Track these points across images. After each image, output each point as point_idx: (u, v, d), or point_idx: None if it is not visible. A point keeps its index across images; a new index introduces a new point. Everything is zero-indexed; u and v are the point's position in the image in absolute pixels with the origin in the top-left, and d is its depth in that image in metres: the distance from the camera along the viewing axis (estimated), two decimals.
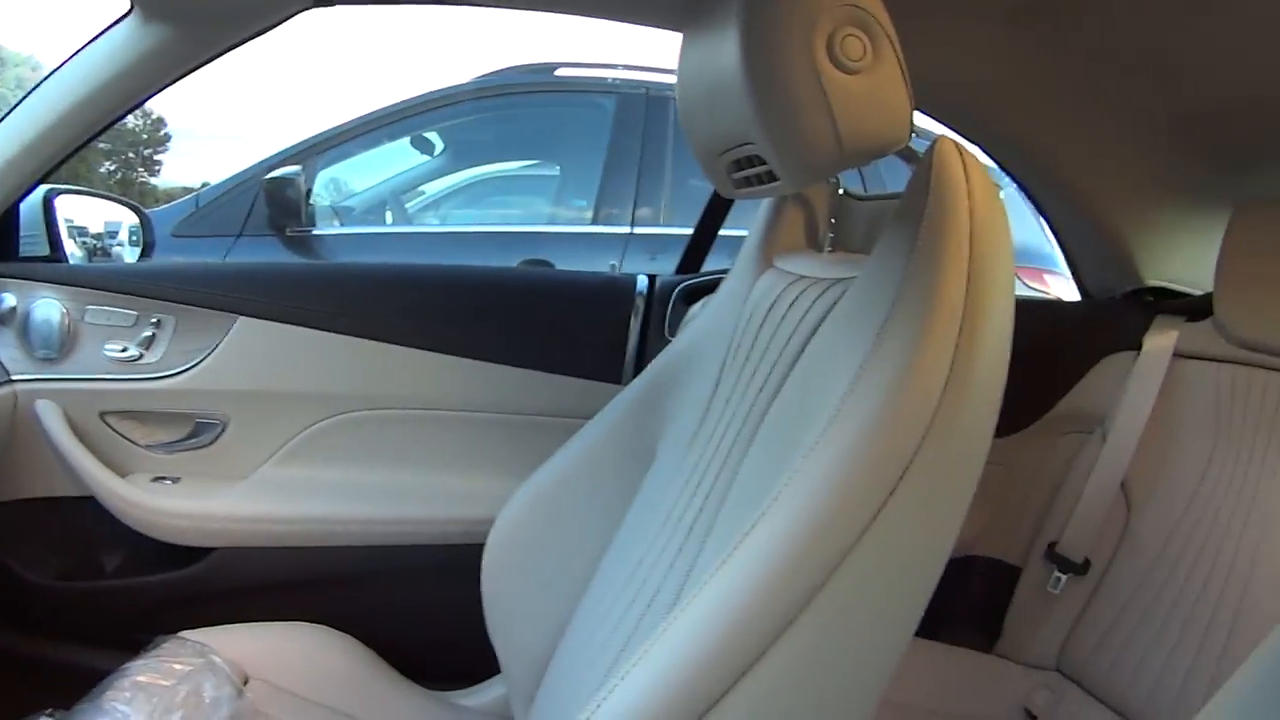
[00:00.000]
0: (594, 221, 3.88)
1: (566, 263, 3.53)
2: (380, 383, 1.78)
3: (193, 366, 1.74)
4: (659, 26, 1.58)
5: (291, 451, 1.79)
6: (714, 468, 1.07)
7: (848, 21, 0.86)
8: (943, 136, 0.91)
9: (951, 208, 0.84)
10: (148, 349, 1.74)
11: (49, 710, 1.36)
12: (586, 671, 1.12)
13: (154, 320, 1.75)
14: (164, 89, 1.67)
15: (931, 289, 0.80)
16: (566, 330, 1.85)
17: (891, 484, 0.75)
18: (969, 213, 0.84)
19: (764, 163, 0.94)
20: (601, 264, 3.61)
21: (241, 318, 1.74)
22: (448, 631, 1.61)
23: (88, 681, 1.34)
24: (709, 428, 1.14)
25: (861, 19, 0.86)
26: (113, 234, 2.15)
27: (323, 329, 1.75)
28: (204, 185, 3.97)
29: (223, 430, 1.78)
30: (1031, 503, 1.97)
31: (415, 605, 1.77)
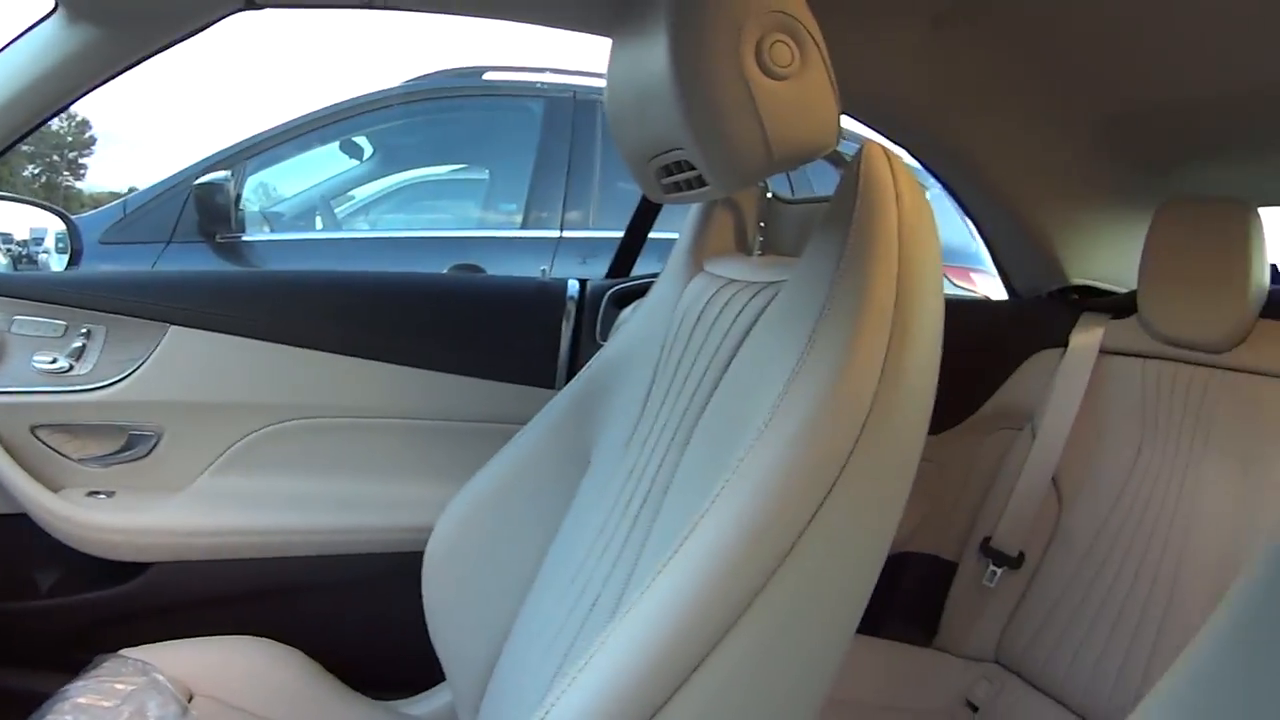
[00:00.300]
0: (524, 225, 3.86)
1: (497, 267, 3.55)
2: (315, 391, 1.76)
3: (125, 377, 1.71)
4: (587, 32, 1.58)
5: (228, 462, 1.76)
6: (650, 471, 1.08)
7: (775, 28, 0.87)
8: (870, 141, 0.93)
9: (880, 211, 0.85)
10: (78, 360, 1.71)
11: None
12: (530, 678, 1.12)
13: (84, 330, 1.71)
14: (90, 92, 1.64)
15: (861, 291, 0.81)
16: (499, 336, 1.84)
17: (828, 484, 0.76)
18: (897, 216, 0.85)
19: (693, 168, 0.95)
20: (532, 268, 3.59)
21: (174, 327, 1.71)
22: (391, 640, 1.61)
23: (24, 705, 1.31)
24: (644, 432, 1.15)
25: (789, 25, 0.87)
26: (38, 240, 2.12)
27: (256, 337, 1.73)
28: (131, 190, 3.90)
29: (157, 442, 1.74)
30: (965, 499, 2.00)
31: (357, 615, 1.76)
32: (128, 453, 1.74)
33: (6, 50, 1.58)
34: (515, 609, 1.27)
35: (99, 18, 1.52)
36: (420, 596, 1.36)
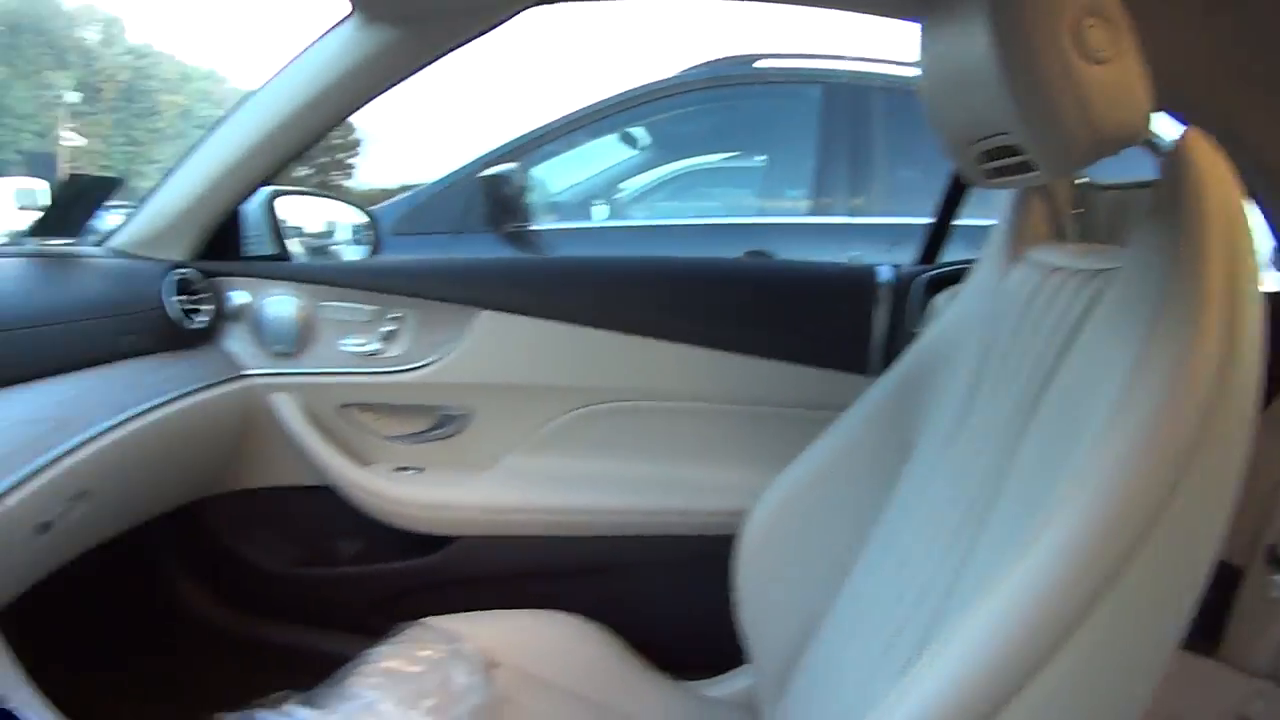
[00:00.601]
0: (810, 212, 3.82)
1: (786, 254, 3.48)
2: (625, 374, 1.78)
3: (436, 360, 1.78)
4: (895, 16, 1.55)
5: (537, 443, 1.81)
6: (980, 466, 1.04)
7: (1089, 11, 0.85)
8: (1191, 128, 0.89)
9: (1207, 199, 0.82)
10: (389, 343, 1.79)
11: (284, 693, 1.42)
12: (845, 671, 1.11)
13: (395, 315, 1.79)
14: (386, 91, 1.71)
15: (1198, 282, 0.79)
16: (809, 321, 1.81)
17: (1170, 485, 0.74)
18: (1224, 204, 0.82)
19: (1018, 153, 0.94)
20: (822, 254, 3.47)
21: (485, 311, 1.76)
22: (693, 621, 1.61)
23: (322, 665, 1.38)
24: (972, 424, 1.11)
25: (1102, 8, 0.86)
26: (330, 233, 2.23)
27: (567, 321, 1.76)
28: (402, 187, 4.05)
29: (467, 422, 1.81)
30: (1254, 503, 1.90)
31: (660, 594, 1.77)
32: (437, 431, 1.82)
33: (308, 52, 1.67)
34: (828, 599, 1.26)
35: (395, 19, 1.59)
36: (723, 579, 1.36)
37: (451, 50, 1.67)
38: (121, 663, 1.86)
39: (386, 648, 1.40)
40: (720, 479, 1.76)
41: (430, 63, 1.68)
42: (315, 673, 1.38)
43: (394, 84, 1.70)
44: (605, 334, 1.76)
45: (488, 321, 1.77)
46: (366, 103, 1.73)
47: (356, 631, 1.58)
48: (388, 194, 4.00)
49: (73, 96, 44.50)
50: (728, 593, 1.36)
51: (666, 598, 1.76)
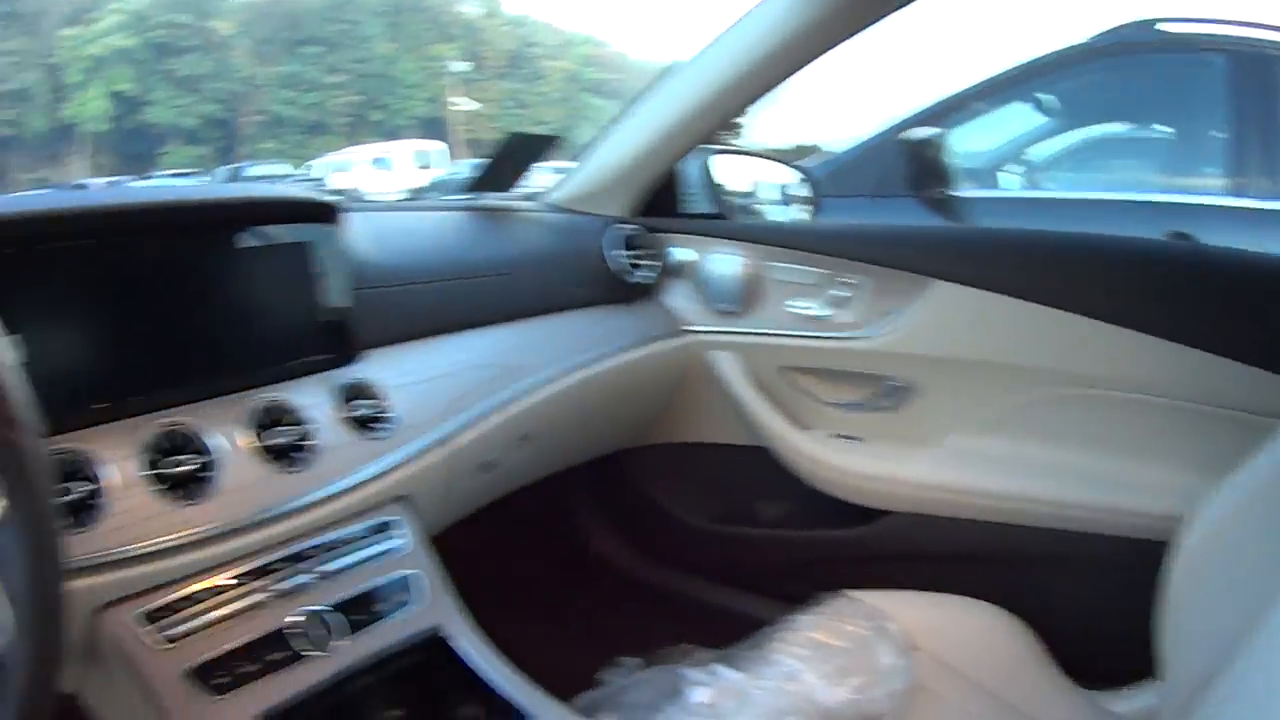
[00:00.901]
0: (1224, 193, 3.48)
1: (1203, 238, 3.10)
2: (1084, 360, 1.64)
3: (888, 331, 1.71)
4: None
5: (986, 423, 1.71)
6: None
7: None
8: None
9: None
10: (839, 308, 1.75)
11: (689, 646, 1.42)
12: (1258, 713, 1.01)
13: (848, 280, 1.74)
14: (826, 52, 1.68)
15: None
16: (1268, 318, 1.60)
17: None
18: None
19: None
20: (1239, 241, 3.19)
21: (941, 282, 1.67)
22: (1107, 627, 1.50)
23: (728, 623, 1.40)
24: None
25: None
26: (753, 193, 2.23)
27: (1026, 298, 1.63)
28: (797, 148, 4.07)
29: (911, 395, 1.74)
30: None
31: (1080, 594, 1.66)
32: (880, 401, 1.76)
33: (751, 14, 1.66)
34: (1251, 628, 1.15)
35: None
36: (1140, 584, 1.24)
37: (896, 9, 1.61)
38: (530, 598, 1.95)
39: (810, 617, 1.38)
40: (1155, 479, 1.60)
41: (873, 22, 1.63)
42: (720, 629, 1.40)
43: (836, 44, 1.66)
44: (1063, 315, 1.62)
45: (943, 292, 1.67)
46: (807, 64, 1.70)
47: (767, 594, 1.57)
48: (780, 155, 4.01)
49: (460, 66, 47.82)
50: (1142, 600, 1.23)
51: (1083, 597, 1.65)
